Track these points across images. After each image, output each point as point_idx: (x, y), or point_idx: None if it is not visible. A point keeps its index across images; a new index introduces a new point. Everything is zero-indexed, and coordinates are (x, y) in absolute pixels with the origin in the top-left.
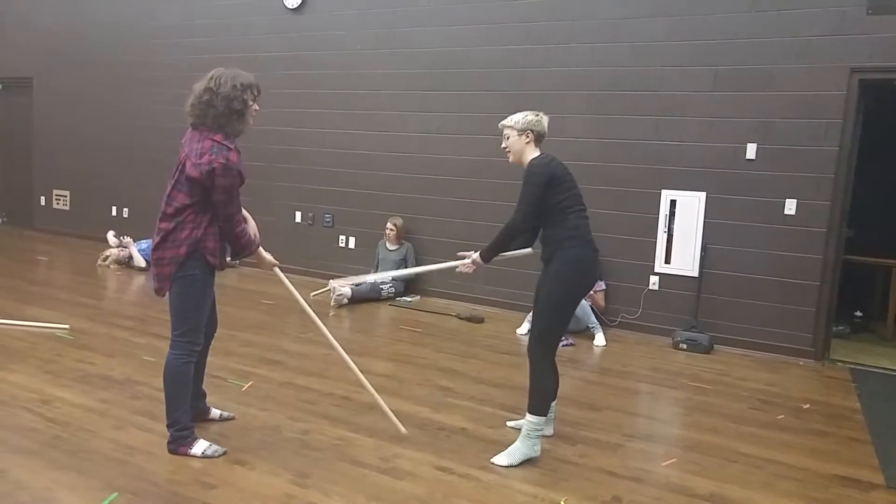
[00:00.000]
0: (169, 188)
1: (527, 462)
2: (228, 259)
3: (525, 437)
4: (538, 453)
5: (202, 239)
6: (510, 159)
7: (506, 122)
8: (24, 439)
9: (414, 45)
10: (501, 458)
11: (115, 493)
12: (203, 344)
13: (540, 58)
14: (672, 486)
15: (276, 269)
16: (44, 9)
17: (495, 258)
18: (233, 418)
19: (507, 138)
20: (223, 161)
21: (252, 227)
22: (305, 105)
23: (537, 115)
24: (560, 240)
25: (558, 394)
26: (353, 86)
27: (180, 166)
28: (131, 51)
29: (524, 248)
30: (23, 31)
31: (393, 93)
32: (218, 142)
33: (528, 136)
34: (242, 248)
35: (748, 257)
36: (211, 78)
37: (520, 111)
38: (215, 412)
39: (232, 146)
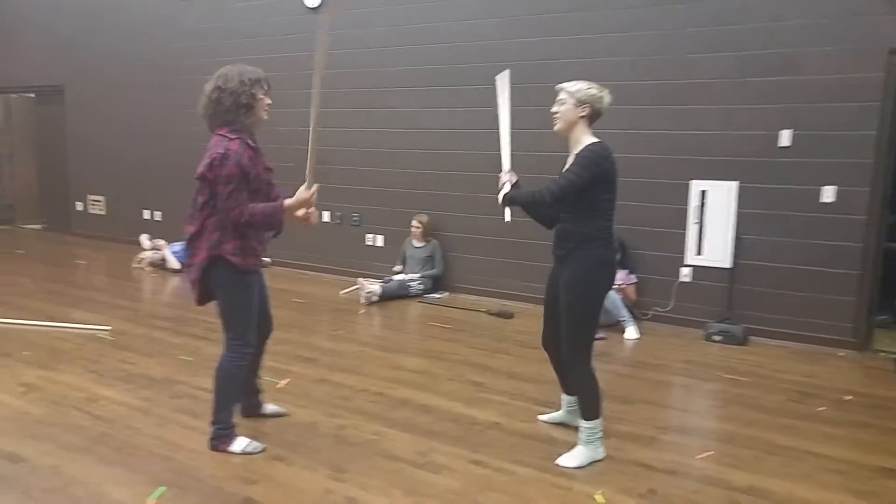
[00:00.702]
0: (193, 193)
1: (560, 455)
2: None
3: (586, 442)
4: (603, 456)
5: (220, 241)
6: (556, 126)
7: (567, 85)
8: (75, 436)
9: (432, 41)
10: (567, 460)
11: (163, 488)
12: (259, 342)
13: (558, 49)
14: (709, 479)
15: (313, 187)
16: (68, 18)
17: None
18: (286, 414)
19: (562, 104)
20: (221, 151)
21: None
22: (329, 104)
23: (601, 92)
24: (585, 239)
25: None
26: (375, 83)
27: (197, 183)
28: (154, 56)
29: (555, 217)
30: (50, 41)
31: (414, 89)
32: (221, 135)
33: (584, 111)
34: (271, 226)
35: (784, 247)
36: (219, 76)
37: (533, 106)
38: (268, 407)
39: (234, 137)
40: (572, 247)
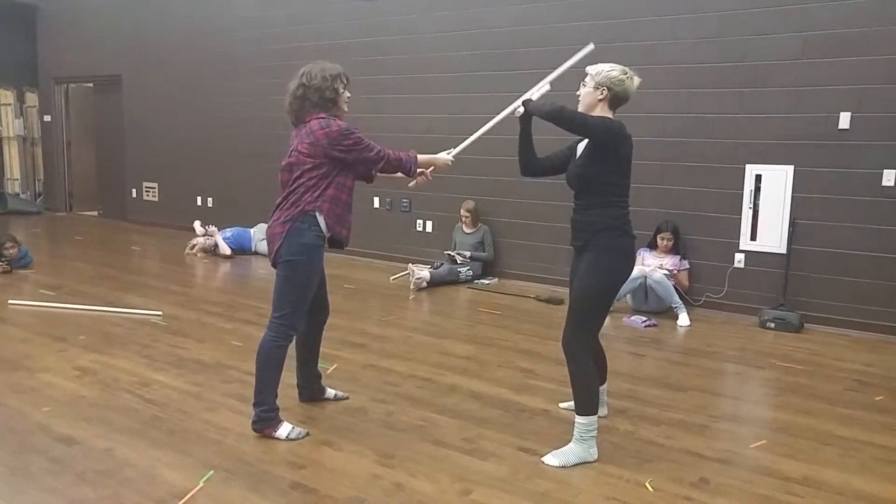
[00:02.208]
0: (288, 175)
1: (610, 444)
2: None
3: (578, 440)
4: (595, 458)
5: (318, 199)
6: (578, 108)
7: (591, 68)
8: (128, 419)
9: (487, 25)
10: (552, 459)
11: (212, 471)
12: (316, 328)
13: (617, 32)
14: (762, 469)
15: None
16: (128, 9)
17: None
18: (347, 398)
19: (584, 86)
20: (336, 128)
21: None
22: (381, 91)
23: (625, 74)
24: (596, 229)
25: (619, 372)
26: (428, 69)
27: (288, 165)
28: (210, 45)
29: (534, 165)
30: (110, 32)
31: (467, 74)
32: (322, 118)
33: (602, 93)
34: (401, 168)
35: (842, 232)
36: (302, 74)
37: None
38: (330, 392)
39: (333, 118)
40: (588, 237)
